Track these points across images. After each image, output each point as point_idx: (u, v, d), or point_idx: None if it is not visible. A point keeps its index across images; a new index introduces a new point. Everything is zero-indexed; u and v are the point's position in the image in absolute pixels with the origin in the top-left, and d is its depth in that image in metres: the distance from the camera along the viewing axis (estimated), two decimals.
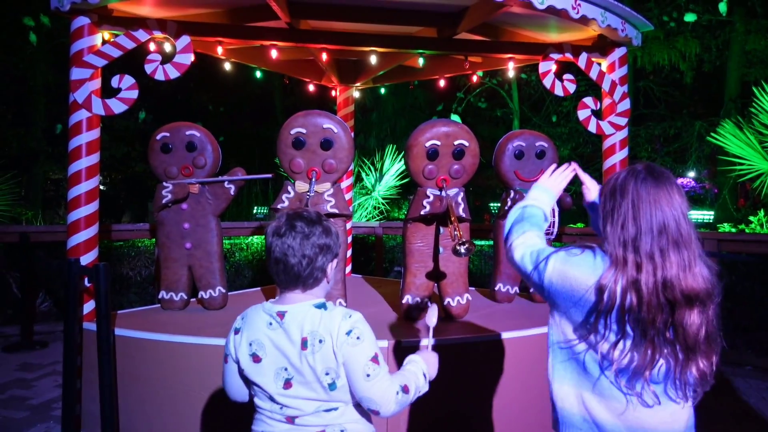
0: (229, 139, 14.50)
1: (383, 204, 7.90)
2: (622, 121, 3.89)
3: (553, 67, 3.84)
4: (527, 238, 1.53)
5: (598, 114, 3.95)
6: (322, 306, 1.48)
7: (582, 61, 3.82)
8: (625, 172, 1.39)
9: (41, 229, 5.44)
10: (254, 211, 8.12)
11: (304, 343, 1.42)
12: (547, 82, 3.84)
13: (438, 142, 3.34)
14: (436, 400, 2.99)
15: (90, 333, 3.08)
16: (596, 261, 1.36)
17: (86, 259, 3.25)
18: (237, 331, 1.53)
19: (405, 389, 1.51)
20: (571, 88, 3.86)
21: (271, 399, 1.48)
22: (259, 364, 1.46)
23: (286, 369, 1.44)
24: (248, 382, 1.53)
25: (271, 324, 1.46)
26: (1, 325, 5.40)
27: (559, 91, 3.88)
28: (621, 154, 3.92)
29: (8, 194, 6.24)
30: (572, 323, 1.39)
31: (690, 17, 7.32)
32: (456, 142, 3.37)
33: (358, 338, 1.43)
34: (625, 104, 3.89)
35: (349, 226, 5.42)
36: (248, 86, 15.18)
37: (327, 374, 1.42)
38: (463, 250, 2.93)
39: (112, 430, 2.65)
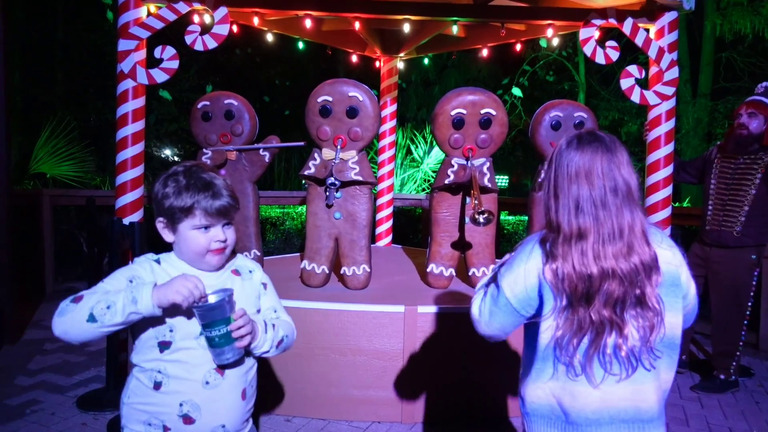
0: (294, 112, 14.84)
1: (432, 176, 7.89)
2: (669, 90, 3.67)
3: (596, 34, 3.66)
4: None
5: (643, 83, 3.75)
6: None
7: (627, 27, 3.62)
8: (564, 138, 1.36)
9: (106, 194, 5.87)
10: (303, 181, 8.36)
11: None
12: (587, 49, 3.67)
13: (464, 111, 3.31)
14: (453, 368, 3.03)
15: None
16: (533, 248, 1.37)
17: (132, 219, 3.50)
18: None
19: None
20: (614, 55, 3.67)
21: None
22: None
23: None
24: None
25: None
26: (74, 280, 5.93)
27: (600, 59, 3.70)
28: (667, 126, 3.71)
29: (81, 162, 6.75)
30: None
31: None
32: (482, 111, 3.32)
33: None
34: (673, 73, 3.65)
35: (390, 196, 5.48)
36: (314, 61, 15.40)
37: None
38: (482, 219, 2.92)
39: None
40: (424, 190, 7.89)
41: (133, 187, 3.54)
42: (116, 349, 3.26)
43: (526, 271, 1.34)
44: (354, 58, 5.38)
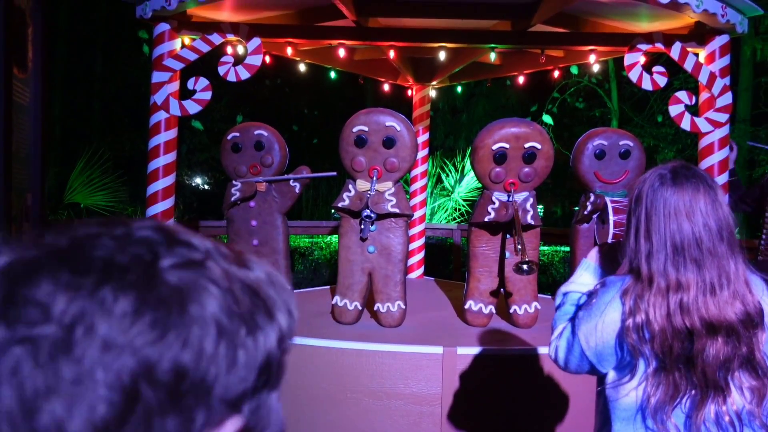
0: (323, 141, 14.94)
1: (463, 205, 7.72)
2: (722, 117, 3.47)
3: (641, 59, 3.51)
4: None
5: (693, 110, 3.56)
6: None
7: (675, 52, 3.45)
8: (649, 173, 1.19)
9: None
10: (333, 210, 8.29)
11: None
12: (633, 75, 3.51)
13: (506, 145, 3.16)
14: (496, 415, 2.82)
15: None
16: (612, 299, 1.20)
17: None
18: None
19: None
20: (662, 81, 3.51)
21: None
22: None
23: None
24: None
25: None
26: None
27: (647, 85, 3.54)
28: (720, 155, 3.50)
29: (115, 192, 6.81)
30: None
31: None
32: (527, 145, 3.16)
33: None
34: (726, 98, 3.46)
35: (422, 227, 5.33)
36: (342, 90, 15.57)
37: None
38: (525, 267, 2.81)
39: None
40: (454, 219, 7.73)
41: (164, 219, 3.48)
42: None
43: (604, 324, 1.18)
44: (386, 87, 5.31)
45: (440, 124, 14.55)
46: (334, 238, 6.71)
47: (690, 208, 1.11)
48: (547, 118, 8.61)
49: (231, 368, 0.40)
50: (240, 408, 0.42)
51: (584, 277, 1.46)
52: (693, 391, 1.10)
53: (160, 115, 3.46)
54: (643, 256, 1.14)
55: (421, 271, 5.30)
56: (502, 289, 3.36)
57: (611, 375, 1.23)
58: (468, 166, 7.72)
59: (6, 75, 2.93)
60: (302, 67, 4.41)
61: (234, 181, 3.68)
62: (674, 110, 3.54)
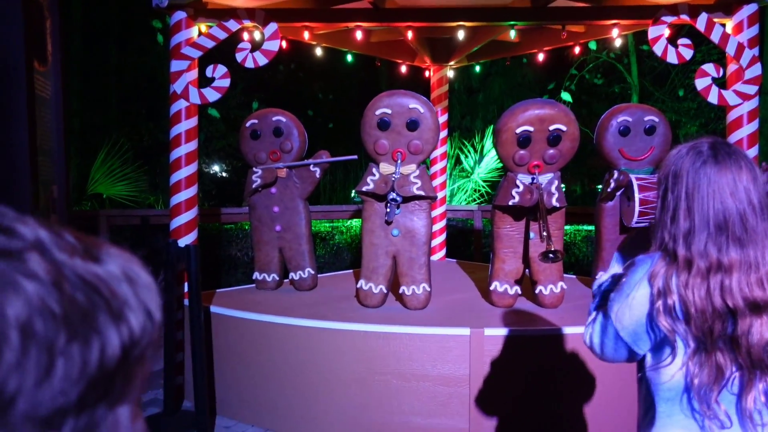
0: (338, 125, 14.88)
1: (483, 186, 7.65)
2: (751, 89, 3.37)
3: (666, 32, 3.41)
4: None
5: (720, 82, 3.46)
6: None
7: (701, 23, 3.35)
8: (685, 149, 1.15)
9: (160, 213, 5.93)
10: (353, 194, 8.27)
11: None
12: (658, 48, 3.42)
13: (530, 128, 3.10)
14: (524, 395, 2.83)
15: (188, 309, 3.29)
16: (642, 278, 1.17)
17: (187, 240, 3.46)
18: None
19: None
20: (688, 54, 3.41)
21: None
22: None
23: None
24: None
25: None
26: None
27: (672, 59, 3.45)
28: (749, 128, 3.40)
29: (135, 182, 6.88)
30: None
31: None
32: (551, 127, 3.11)
33: None
34: (755, 70, 3.35)
35: (443, 209, 5.30)
36: (356, 73, 15.46)
37: None
38: (551, 256, 2.81)
39: (203, 400, 2.81)
40: (474, 200, 7.68)
41: (188, 208, 3.50)
42: (173, 372, 3.20)
43: (635, 302, 1.16)
44: (403, 69, 5.26)
45: (456, 104, 14.40)
46: (354, 222, 6.72)
47: (734, 185, 1.08)
48: (565, 96, 8.48)
49: (43, 380, 0.33)
50: (59, 426, 0.34)
51: (617, 268, 1.44)
52: (738, 372, 1.08)
53: (180, 104, 3.47)
54: (681, 235, 1.11)
55: (442, 253, 5.29)
56: (527, 270, 3.34)
57: (649, 358, 1.21)
58: (487, 146, 7.64)
59: (27, 69, 2.96)
60: (318, 52, 4.37)
61: (254, 168, 3.69)
62: (701, 83, 3.44)
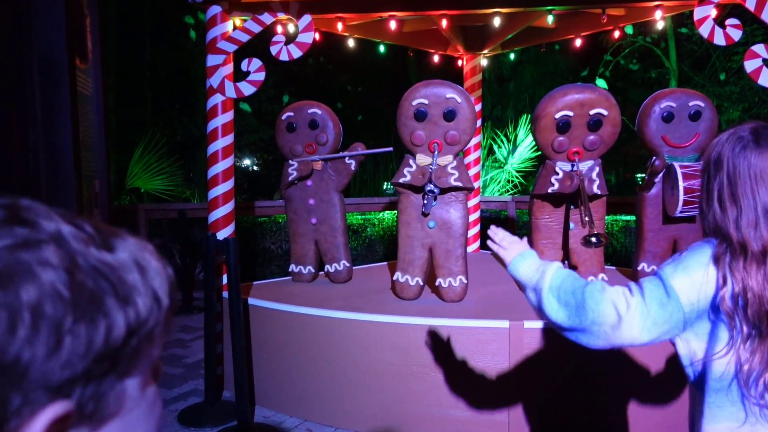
0: (367, 117, 14.88)
1: (517, 177, 7.54)
2: None
3: (713, 12, 3.27)
4: (611, 295, 1.21)
5: None
6: None
7: (751, 2, 3.20)
8: (726, 135, 1.13)
9: (196, 206, 6.04)
10: (384, 186, 8.25)
11: None
12: (704, 30, 3.29)
13: (570, 113, 3.03)
14: (565, 389, 2.78)
15: (228, 301, 3.33)
16: (709, 262, 1.14)
17: (225, 233, 3.50)
18: None
19: None
20: (736, 35, 3.26)
21: None
22: None
23: None
24: None
25: None
26: None
27: (720, 41, 3.30)
28: None
29: (171, 176, 7.01)
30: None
31: None
32: (592, 112, 3.02)
33: None
34: None
35: (477, 200, 5.24)
36: (385, 65, 15.40)
37: None
38: (594, 240, 2.72)
39: (242, 391, 2.85)
40: (507, 191, 7.58)
41: (225, 201, 3.54)
42: (213, 363, 3.25)
43: (707, 278, 1.11)
44: (435, 59, 5.19)
45: (487, 93, 14.21)
46: (387, 214, 6.70)
47: None
48: (600, 82, 8.27)
49: (52, 354, 0.38)
50: (68, 393, 0.40)
51: (532, 266, 1.44)
52: None
53: (216, 99, 3.49)
54: (731, 221, 1.10)
55: (477, 244, 5.24)
56: (566, 261, 3.27)
57: (697, 345, 1.17)
58: (520, 136, 7.52)
59: (70, 66, 3.01)
60: (350, 43, 4.35)
61: (290, 161, 3.70)
62: (750, 65, 3.29)
